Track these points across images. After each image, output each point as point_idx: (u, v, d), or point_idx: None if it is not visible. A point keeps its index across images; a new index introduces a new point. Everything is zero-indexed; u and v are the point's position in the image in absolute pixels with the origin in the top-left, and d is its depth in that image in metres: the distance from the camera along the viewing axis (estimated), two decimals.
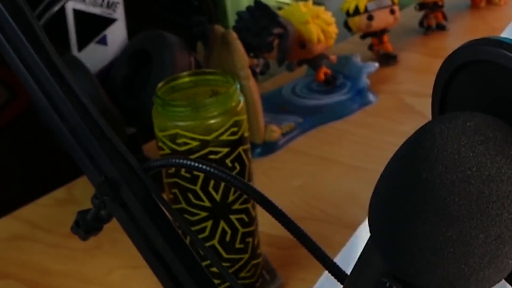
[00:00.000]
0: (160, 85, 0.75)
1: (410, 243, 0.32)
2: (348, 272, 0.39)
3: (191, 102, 0.72)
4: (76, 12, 1.00)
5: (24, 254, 0.92)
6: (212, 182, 0.72)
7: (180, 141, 0.71)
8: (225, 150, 0.72)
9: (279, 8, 1.17)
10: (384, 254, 0.34)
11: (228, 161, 0.72)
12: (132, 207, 0.48)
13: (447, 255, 0.31)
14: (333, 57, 1.17)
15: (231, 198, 0.74)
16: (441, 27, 1.39)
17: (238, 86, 0.73)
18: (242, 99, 0.74)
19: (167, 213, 0.48)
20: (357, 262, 0.37)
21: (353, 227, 0.88)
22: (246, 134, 0.74)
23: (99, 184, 0.49)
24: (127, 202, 0.48)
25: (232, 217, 0.75)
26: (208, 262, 0.64)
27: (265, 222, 0.73)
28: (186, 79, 0.76)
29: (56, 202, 1.01)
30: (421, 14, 1.39)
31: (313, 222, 0.91)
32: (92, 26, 1.02)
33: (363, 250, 0.36)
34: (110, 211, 0.49)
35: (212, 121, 0.71)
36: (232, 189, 0.73)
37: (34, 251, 0.92)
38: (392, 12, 1.25)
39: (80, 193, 1.01)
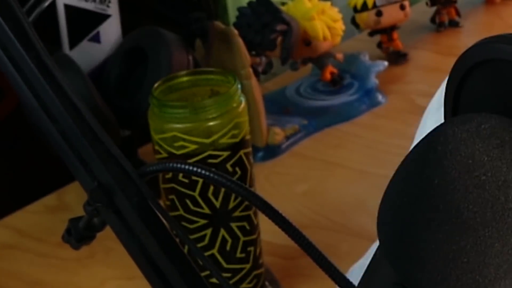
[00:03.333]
0: (156, 85, 0.75)
1: (422, 253, 0.32)
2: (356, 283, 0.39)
3: (189, 103, 0.72)
4: (68, 7, 1.01)
5: (12, 264, 0.92)
6: (211, 187, 0.72)
7: (177, 144, 0.71)
8: (225, 153, 0.72)
9: (283, 4, 1.17)
10: (394, 264, 0.34)
11: (228, 165, 0.72)
12: (127, 214, 0.48)
13: (461, 265, 0.31)
14: (339, 56, 1.17)
15: (231, 204, 0.74)
16: (454, 24, 1.39)
17: (239, 86, 0.74)
18: (243, 99, 0.74)
19: (164, 221, 0.48)
20: (365, 272, 0.37)
21: (360, 236, 0.88)
22: (248, 137, 0.74)
23: (92, 190, 0.49)
24: (121, 209, 0.48)
25: (233, 224, 0.75)
26: (207, 272, 0.64)
27: (267, 230, 0.72)
28: (184, 79, 0.76)
29: (46, 209, 1.01)
30: (433, 10, 1.39)
31: (318, 230, 0.91)
32: (85, 23, 1.03)
33: (372, 260, 0.36)
34: (104, 219, 0.49)
35: (211, 123, 0.71)
36: (233, 195, 0.74)
37: (23, 261, 0.92)
38: (402, 7, 1.25)
39: (72, 199, 1.01)
